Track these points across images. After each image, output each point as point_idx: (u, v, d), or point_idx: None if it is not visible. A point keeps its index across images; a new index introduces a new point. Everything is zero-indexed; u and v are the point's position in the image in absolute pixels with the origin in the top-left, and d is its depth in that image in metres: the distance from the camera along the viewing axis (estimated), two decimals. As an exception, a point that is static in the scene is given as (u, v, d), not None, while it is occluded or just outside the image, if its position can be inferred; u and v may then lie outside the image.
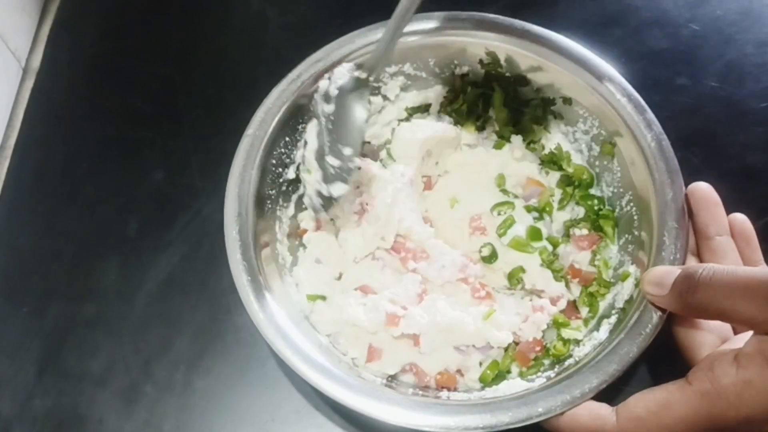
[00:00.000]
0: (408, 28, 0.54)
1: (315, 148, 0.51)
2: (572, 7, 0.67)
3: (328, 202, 0.51)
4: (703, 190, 0.48)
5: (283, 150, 0.54)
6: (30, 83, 0.66)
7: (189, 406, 0.51)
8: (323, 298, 0.52)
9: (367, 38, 0.55)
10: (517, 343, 0.50)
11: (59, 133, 0.63)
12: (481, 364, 0.50)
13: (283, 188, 0.54)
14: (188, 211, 0.59)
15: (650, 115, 0.51)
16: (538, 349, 0.50)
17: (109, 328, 0.54)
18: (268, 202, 0.52)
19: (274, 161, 0.53)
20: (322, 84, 0.51)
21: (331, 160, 0.50)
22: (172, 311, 0.55)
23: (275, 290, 0.48)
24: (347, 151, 0.50)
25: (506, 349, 0.50)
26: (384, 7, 0.55)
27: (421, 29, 0.55)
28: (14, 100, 0.65)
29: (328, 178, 0.50)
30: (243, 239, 0.48)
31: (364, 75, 0.51)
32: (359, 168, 0.52)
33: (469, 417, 0.42)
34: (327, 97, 0.51)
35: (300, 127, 0.55)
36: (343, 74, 0.51)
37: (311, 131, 0.51)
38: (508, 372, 0.50)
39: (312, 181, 0.51)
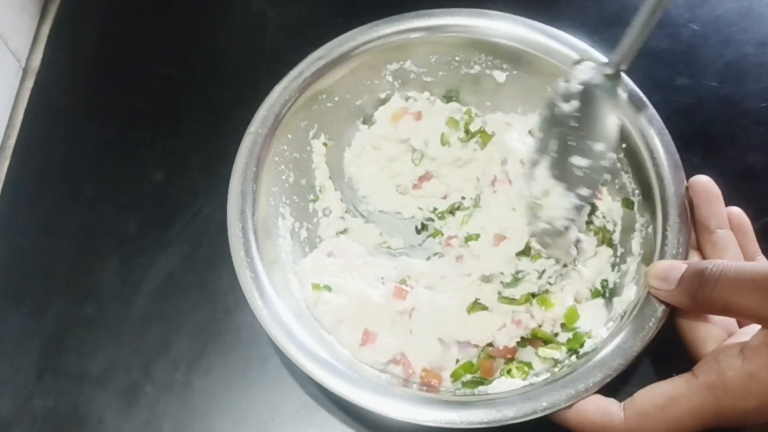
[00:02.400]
0: (410, 25, 0.55)
1: (550, 163, 0.47)
2: (572, 6, 0.67)
3: (577, 210, 0.47)
4: (704, 183, 0.48)
5: (285, 147, 0.54)
6: (30, 83, 0.66)
7: (189, 406, 0.51)
8: (329, 288, 0.52)
9: (369, 35, 0.55)
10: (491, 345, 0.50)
11: (59, 133, 0.63)
12: (457, 362, 0.50)
13: (286, 185, 0.54)
14: (188, 211, 0.59)
15: (652, 110, 0.51)
16: (509, 356, 0.50)
17: (109, 328, 0.54)
18: (271, 199, 0.52)
19: (276, 158, 0.53)
20: (561, 85, 0.48)
21: (578, 161, 0.46)
22: (172, 311, 0.55)
23: (278, 287, 0.48)
24: (599, 146, 0.46)
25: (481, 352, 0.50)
26: (384, 7, 0.56)
27: (424, 26, 0.55)
28: (14, 100, 0.65)
29: (573, 184, 0.46)
30: (246, 236, 0.48)
31: (609, 70, 0.48)
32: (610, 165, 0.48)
33: (473, 412, 0.42)
34: (567, 96, 0.48)
35: (302, 124, 0.55)
36: (586, 71, 0.48)
37: (537, 143, 0.48)
38: (483, 380, 0.49)
39: (554, 203, 0.47)
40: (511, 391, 0.44)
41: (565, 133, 0.48)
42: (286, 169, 0.54)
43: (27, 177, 0.61)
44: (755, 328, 0.41)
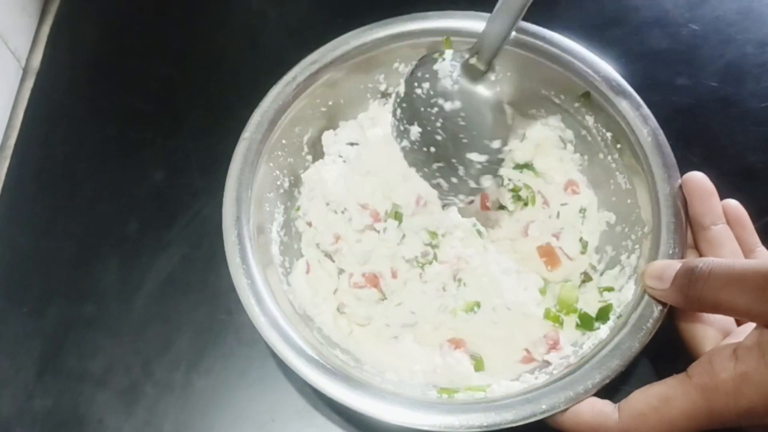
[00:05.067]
0: (402, 29, 0.55)
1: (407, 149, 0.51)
2: (572, 7, 0.67)
3: (471, 191, 0.51)
4: (698, 179, 0.48)
5: (280, 153, 0.54)
6: (30, 83, 0.66)
7: (189, 406, 0.51)
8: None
9: (362, 39, 0.55)
10: None
11: (59, 133, 0.63)
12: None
13: (281, 191, 0.54)
14: (188, 211, 0.59)
15: (646, 110, 0.51)
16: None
17: (109, 328, 0.54)
18: (266, 205, 0.52)
19: (271, 164, 0.53)
20: (436, 82, 0.49)
21: (476, 157, 0.48)
22: (172, 311, 0.55)
23: (275, 293, 0.48)
24: (496, 144, 0.48)
25: None
26: (384, 7, 0.56)
27: (418, 29, 0.55)
28: (14, 100, 0.65)
29: (471, 175, 0.49)
30: (242, 243, 0.48)
31: (481, 67, 0.48)
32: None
33: (472, 416, 0.42)
34: (446, 94, 0.49)
35: (297, 129, 0.55)
36: (456, 65, 0.49)
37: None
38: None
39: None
40: (510, 395, 0.44)
41: (453, 130, 0.49)
42: (281, 175, 0.54)
43: (27, 177, 0.61)
44: (751, 327, 0.41)
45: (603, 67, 0.53)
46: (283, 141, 0.54)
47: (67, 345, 0.54)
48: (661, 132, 0.50)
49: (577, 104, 0.54)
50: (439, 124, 0.49)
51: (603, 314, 0.49)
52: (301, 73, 0.54)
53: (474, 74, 0.49)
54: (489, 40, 0.48)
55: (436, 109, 0.49)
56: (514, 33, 0.50)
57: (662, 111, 0.52)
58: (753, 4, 0.67)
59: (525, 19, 0.54)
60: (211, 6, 0.70)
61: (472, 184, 0.50)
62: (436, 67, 0.49)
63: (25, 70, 0.67)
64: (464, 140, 0.49)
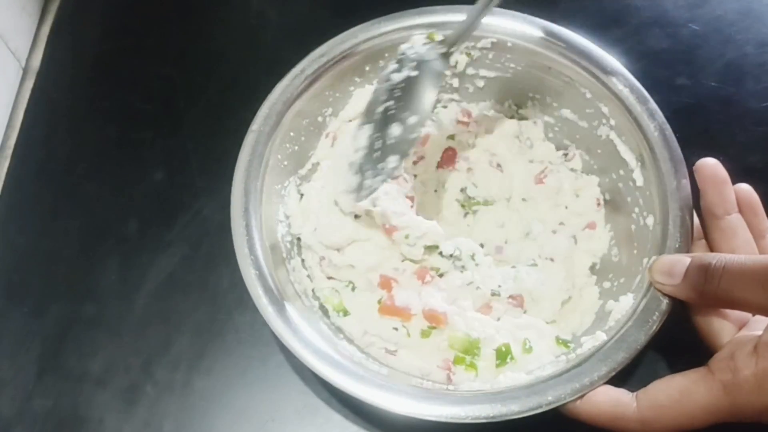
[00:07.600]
0: (411, 22, 0.55)
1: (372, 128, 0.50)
2: (572, 6, 0.68)
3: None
4: (711, 166, 0.47)
5: (288, 145, 0.54)
6: (30, 83, 0.66)
7: (189, 406, 0.51)
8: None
9: (370, 32, 0.55)
10: None
11: (59, 133, 0.63)
12: None
13: (288, 182, 0.54)
14: (188, 211, 0.59)
15: (653, 104, 0.51)
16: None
17: (109, 328, 0.54)
18: (274, 197, 0.52)
19: (279, 156, 0.53)
20: (397, 56, 0.51)
21: (394, 130, 0.49)
22: (172, 311, 0.55)
23: (282, 284, 0.48)
24: (413, 119, 0.48)
25: None
26: (384, 7, 0.56)
27: (426, 22, 0.55)
28: (14, 100, 0.65)
29: (384, 152, 0.49)
30: (249, 234, 0.48)
31: (443, 49, 0.50)
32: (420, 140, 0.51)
33: (478, 406, 0.42)
34: (401, 67, 0.50)
35: (305, 122, 0.55)
36: (421, 45, 0.51)
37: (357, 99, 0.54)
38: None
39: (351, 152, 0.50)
40: (517, 386, 0.44)
41: (389, 102, 0.50)
42: (289, 166, 0.54)
43: (27, 177, 0.61)
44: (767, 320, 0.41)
45: (610, 61, 0.53)
46: (291, 134, 0.54)
47: (67, 345, 0.54)
48: (668, 126, 0.50)
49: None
50: (384, 97, 0.50)
51: None
52: (310, 66, 0.54)
53: (435, 55, 0.50)
54: (461, 27, 0.50)
55: (388, 83, 0.50)
56: (534, 27, 0.54)
57: (662, 111, 0.51)
58: (753, 4, 0.67)
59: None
60: (211, 6, 0.70)
61: (381, 165, 0.49)
62: (411, 43, 0.52)
63: (25, 70, 0.67)
64: (391, 111, 0.49)
